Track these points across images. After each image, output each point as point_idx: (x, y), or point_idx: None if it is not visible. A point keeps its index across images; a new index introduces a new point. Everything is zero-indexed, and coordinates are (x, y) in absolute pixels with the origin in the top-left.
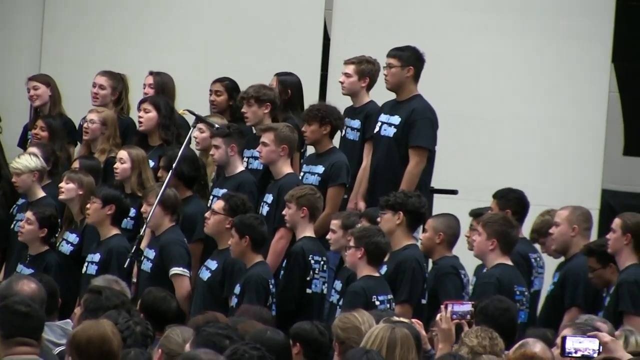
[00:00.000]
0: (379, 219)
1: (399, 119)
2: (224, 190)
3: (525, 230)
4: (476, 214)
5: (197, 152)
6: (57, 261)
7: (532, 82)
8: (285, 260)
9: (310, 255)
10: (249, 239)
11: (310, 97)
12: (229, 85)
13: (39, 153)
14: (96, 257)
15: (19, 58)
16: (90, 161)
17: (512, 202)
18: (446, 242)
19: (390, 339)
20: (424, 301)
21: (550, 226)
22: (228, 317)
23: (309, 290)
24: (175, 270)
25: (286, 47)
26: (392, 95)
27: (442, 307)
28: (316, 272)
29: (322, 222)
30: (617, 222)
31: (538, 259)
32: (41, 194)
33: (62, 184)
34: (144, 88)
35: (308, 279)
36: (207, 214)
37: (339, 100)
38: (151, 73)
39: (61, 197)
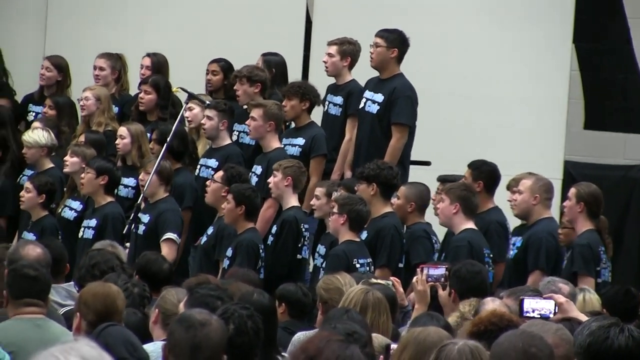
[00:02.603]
0: (356, 188)
1: (382, 97)
2: (212, 160)
3: (498, 200)
4: (443, 179)
5: (187, 128)
6: (54, 225)
7: (499, 62)
8: (277, 228)
9: (302, 224)
10: (244, 208)
11: (293, 76)
12: (225, 66)
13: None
14: (92, 222)
15: (24, 39)
16: (95, 135)
17: (485, 174)
18: (417, 210)
19: (363, 302)
20: (401, 265)
21: None
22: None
23: (299, 256)
24: (169, 235)
25: (271, 30)
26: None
27: (418, 270)
28: (306, 239)
29: (310, 192)
30: (572, 192)
31: (508, 225)
32: (49, 165)
33: (67, 157)
34: (141, 69)
35: (299, 245)
36: (207, 182)
37: (320, 79)
38: (148, 54)
39: (66, 169)
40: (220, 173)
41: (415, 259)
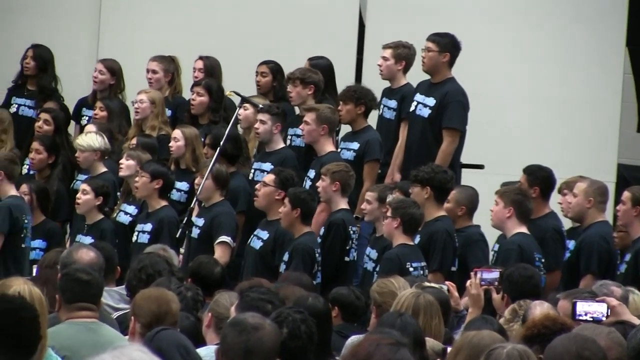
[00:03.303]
0: (410, 191)
1: (434, 101)
2: (266, 164)
3: (553, 205)
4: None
5: (240, 130)
6: (112, 228)
7: (553, 65)
8: (324, 230)
9: (350, 226)
10: (300, 211)
11: (346, 80)
12: (274, 68)
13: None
14: (147, 226)
15: (77, 42)
16: (147, 139)
17: (541, 179)
18: (467, 213)
19: (415, 305)
20: (454, 269)
21: None
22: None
23: (346, 258)
24: (223, 238)
25: (324, 33)
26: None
27: (472, 274)
28: (353, 241)
29: (363, 197)
30: (626, 195)
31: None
32: (102, 169)
33: (122, 161)
34: (194, 72)
35: (347, 248)
36: (257, 186)
37: (373, 82)
38: (200, 57)
39: (121, 173)
40: (272, 176)
41: (474, 262)
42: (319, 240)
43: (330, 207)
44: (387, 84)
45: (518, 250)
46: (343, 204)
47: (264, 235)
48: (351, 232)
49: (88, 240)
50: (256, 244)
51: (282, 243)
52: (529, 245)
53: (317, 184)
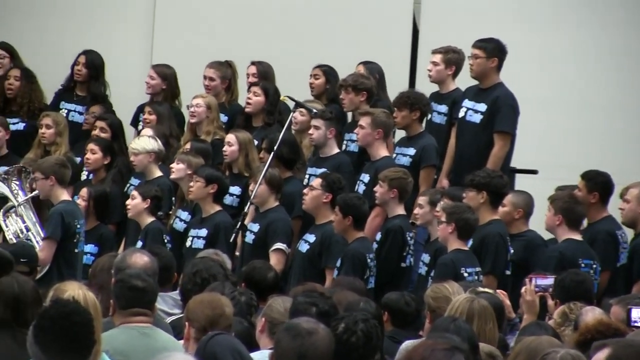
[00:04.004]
0: (464, 195)
1: (485, 106)
2: (322, 170)
3: (611, 209)
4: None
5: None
6: (159, 230)
7: (611, 69)
8: (381, 236)
9: (407, 232)
10: (352, 218)
11: (400, 85)
12: (327, 71)
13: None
14: (202, 232)
15: (131, 47)
16: (201, 144)
17: (599, 185)
18: (523, 217)
19: (469, 311)
20: (507, 272)
21: None
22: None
23: (403, 264)
24: (278, 245)
25: (378, 38)
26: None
27: (527, 280)
28: (410, 247)
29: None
30: None
31: (623, 234)
32: (157, 173)
33: (173, 165)
34: (247, 77)
35: (404, 254)
36: (305, 190)
37: (427, 87)
38: (253, 62)
39: (172, 176)
40: (319, 180)
41: (536, 267)
42: (376, 245)
43: (387, 213)
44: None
45: (558, 257)
46: (400, 210)
47: (311, 238)
48: (408, 238)
49: (139, 244)
50: (303, 247)
51: (329, 246)
52: (574, 251)
53: (375, 189)
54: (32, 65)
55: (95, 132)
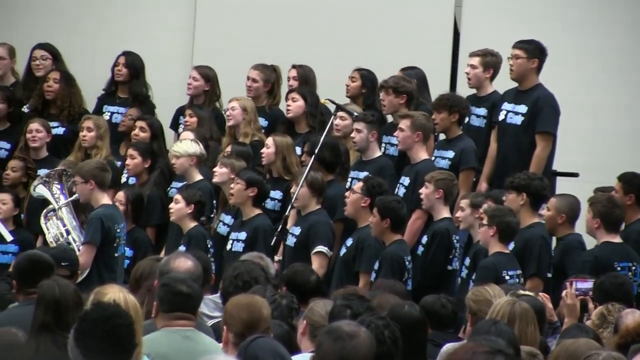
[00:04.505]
0: (504, 198)
1: (525, 108)
2: (364, 173)
3: None
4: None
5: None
6: (202, 234)
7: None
8: (427, 239)
9: (453, 235)
10: (390, 220)
11: (440, 88)
12: (365, 75)
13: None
14: (242, 235)
15: (172, 49)
16: (241, 147)
17: (636, 187)
18: (568, 221)
19: (510, 313)
20: (549, 275)
21: None
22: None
23: (449, 267)
24: (319, 248)
25: (419, 41)
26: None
27: (567, 283)
28: (457, 250)
29: (459, 205)
30: None
31: None
32: (198, 177)
33: (216, 168)
34: (288, 80)
35: (450, 257)
36: (346, 194)
37: (468, 90)
38: (294, 66)
39: (215, 180)
40: (360, 184)
41: (572, 270)
42: (421, 249)
43: (433, 215)
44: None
45: (593, 261)
46: (446, 212)
47: (349, 242)
48: (454, 241)
49: (183, 248)
50: (341, 251)
51: (362, 249)
52: (609, 255)
53: (420, 190)
54: (73, 69)
55: (135, 131)
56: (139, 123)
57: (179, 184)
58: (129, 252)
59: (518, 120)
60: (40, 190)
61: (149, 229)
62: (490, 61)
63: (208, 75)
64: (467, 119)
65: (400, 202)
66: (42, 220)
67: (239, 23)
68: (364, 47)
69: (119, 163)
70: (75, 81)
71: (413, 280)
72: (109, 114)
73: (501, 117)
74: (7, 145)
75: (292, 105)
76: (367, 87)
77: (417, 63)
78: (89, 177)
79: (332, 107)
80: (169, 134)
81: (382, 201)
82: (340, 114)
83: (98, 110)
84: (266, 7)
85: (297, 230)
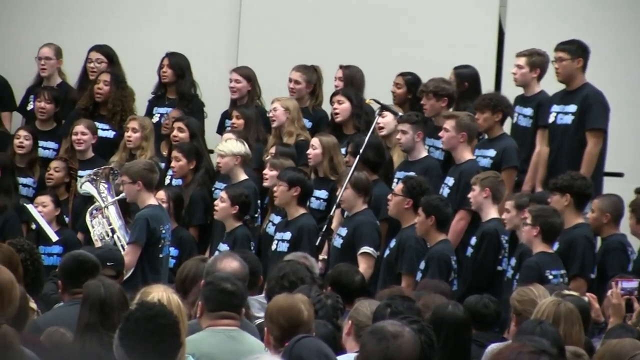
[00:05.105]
0: (549, 200)
1: (575, 107)
2: (411, 174)
3: None
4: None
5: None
6: (247, 235)
7: None
8: (476, 240)
9: (502, 236)
10: (435, 218)
11: (485, 88)
12: (410, 80)
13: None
14: (286, 235)
15: (217, 50)
16: (286, 147)
17: None
18: (612, 221)
19: (555, 314)
20: (592, 276)
21: None
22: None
23: (499, 268)
24: (365, 249)
25: (464, 41)
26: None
27: (613, 283)
28: (506, 250)
29: (501, 204)
30: None
31: None
32: (243, 176)
33: (266, 171)
34: (335, 80)
35: (499, 257)
36: (389, 196)
37: (513, 90)
38: (341, 66)
39: (266, 183)
40: (400, 186)
41: (610, 271)
42: (470, 250)
43: (481, 216)
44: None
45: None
46: (494, 212)
47: (392, 243)
48: (503, 241)
49: (225, 247)
50: (385, 252)
51: (403, 251)
52: None
53: (469, 195)
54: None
55: (174, 132)
56: (177, 124)
57: (223, 184)
58: (174, 251)
59: (568, 119)
60: (87, 187)
61: (191, 229)
62: (537, 61)
63: (249, 75)
64: (514, 119)
65: (445, 201)
66: (88, 218)
67: (284, 23)
68: (408, 47)
69: (162, 164)
70: (126, 84)
71: (464, 282)
72: (158, 115)
73: (551, 119)
74: (55, 145)
75: (339, 108)
76: (412, 93)
77: (462, 63)
78: (137, 178)
79: (376, 107)
80: (215, 138)
81: (428, 200)
82: (384, 113)
83: (148, 113)
84: (311, 7)
85: (343, 231)
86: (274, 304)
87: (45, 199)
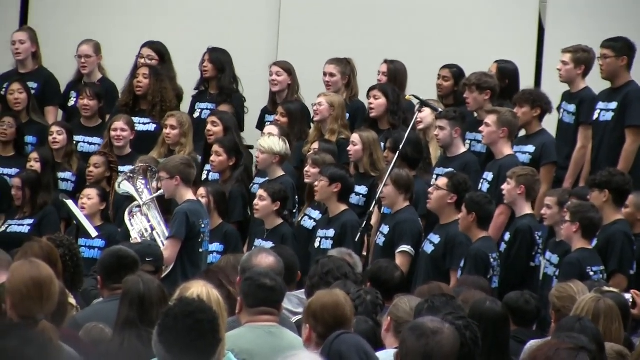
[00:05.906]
0: (588, 197)
1: (616, 104)
2: (449, 170)
3: None
4: None
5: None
6: (292, 233)
7: None
8: (510, 236)
9: (535, 232)
10: (476, 215)
11: (525, 84)
12: (456, 73)
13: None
14: (330, 232)
15: (257, 46)
16: (328, 145)
17: None
18: None
19: (595, 310)
20: (632, 272)
21: None
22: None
23: (532, 264)
24: (403, 247)
25: (504, 37)
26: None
27: None
28: (539, 247)
29: (540, 199)
30: None
31: None
32: (280, 173)
33: (308, 168)
34: (378, 75)
35: (533, 253)
36: (430, 190)
37: (553, 86)
38: (385, 61)
39: (308, 180)
40: (445, 179)
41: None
42: (504, 245)
43: (515, 211)
44: (567, 87)
45: None
46: (528, 208)
47: (436, 239)
48: (537, 237)
49: (268, 245)
50: (428, 248)
51: (452, 247)
52: None
53: (502, 187)
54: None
55: (208, 127)
56: (210, 118)
57: (261, 180)
58: (219, 247)
59: (609, 116)
60: (125, 186)
61: (233, 227)
62: (582, 57)
63: (289, 69)
64: (560, 115)
65: (489, 199)
66: (126, 217)
67: (325, 18)
68: (448, 43)
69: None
70: (165, 76)
71: (498, 278)
72: (199, 110)
73: (595, 116)
74: (100, 141)
75: (375, 104)
76: (459, 85)
77: (502, 58)
78: (175, 173)
79: (415, 103)
80: (255, 133)
81: (470, 196)
82: (422, 108)
83: (191, 108)
84: (351, 2)
85: (385, 230)
86: (317, 300)
87: (92, 191)
